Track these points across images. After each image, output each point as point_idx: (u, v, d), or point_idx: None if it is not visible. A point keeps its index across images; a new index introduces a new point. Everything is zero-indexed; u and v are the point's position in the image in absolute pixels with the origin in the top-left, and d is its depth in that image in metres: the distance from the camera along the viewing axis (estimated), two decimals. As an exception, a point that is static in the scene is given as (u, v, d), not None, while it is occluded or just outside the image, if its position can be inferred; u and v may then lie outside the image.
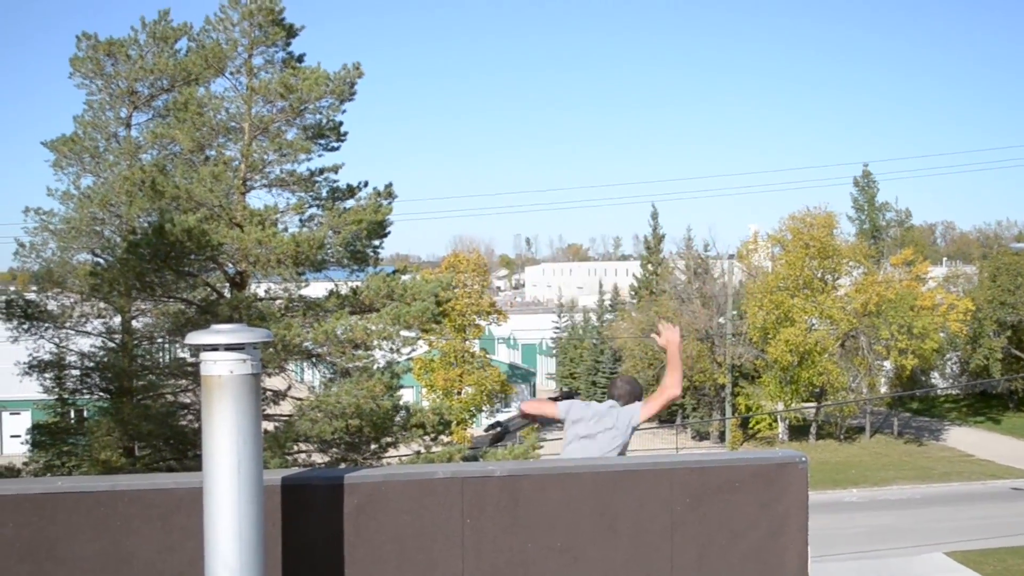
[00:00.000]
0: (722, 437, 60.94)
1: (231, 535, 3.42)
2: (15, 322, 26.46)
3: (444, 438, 26.05)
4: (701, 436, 63.42)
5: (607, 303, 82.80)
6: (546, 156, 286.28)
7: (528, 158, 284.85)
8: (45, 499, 3.97)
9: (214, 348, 3.52)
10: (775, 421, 60.80)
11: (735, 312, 61.93)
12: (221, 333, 3.53)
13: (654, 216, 78.54)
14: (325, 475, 4.12)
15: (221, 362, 3.51)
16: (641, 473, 4.30)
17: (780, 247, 62.26)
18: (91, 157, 28.60)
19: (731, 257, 68.81)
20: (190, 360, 25.81)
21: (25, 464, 27.77)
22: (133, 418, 23.19)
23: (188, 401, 25.60)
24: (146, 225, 24.34)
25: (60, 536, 3.95)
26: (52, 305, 27.33)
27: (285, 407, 25.43)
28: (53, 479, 4.26)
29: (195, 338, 3.53)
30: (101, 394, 27.02)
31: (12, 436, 42.24)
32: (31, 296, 27.76)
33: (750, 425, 61.26)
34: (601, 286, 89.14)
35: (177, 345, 28.13)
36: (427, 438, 24.69)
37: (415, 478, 4.09)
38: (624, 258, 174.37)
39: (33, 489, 4.01)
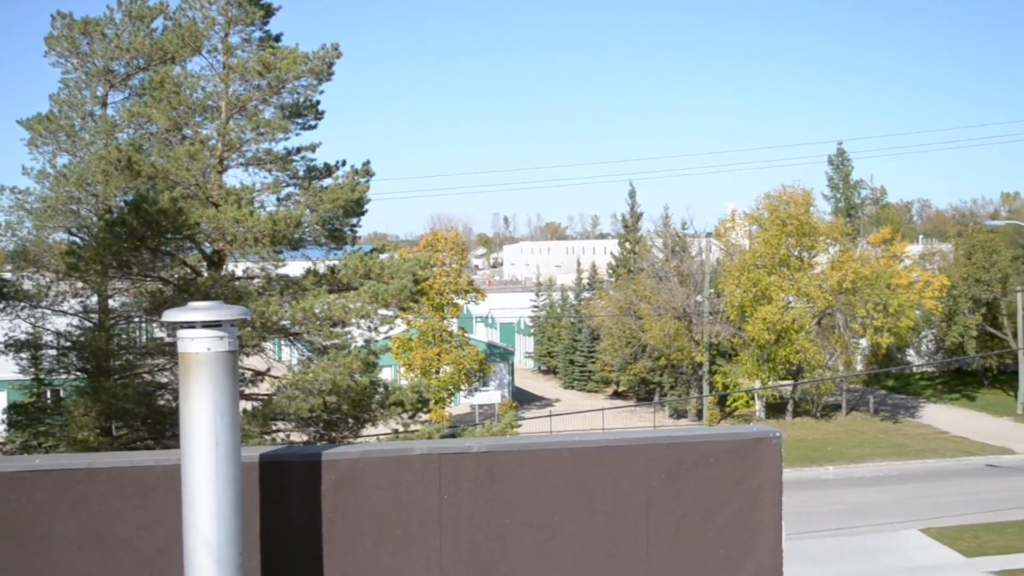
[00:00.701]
0: (700, 415, 61.27)
1: (209, 511, 3.44)
2: (-10, 302, 26.29)
3: (423, 416, 26.09)
4: (679, 414, 63.73)
5: (585, 281, 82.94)
6: (524, 135, 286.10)
7: (506, 137, 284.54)
8: (23, 477, 3.97)
9: (191, 325, 3.51)
10: (752, 399, 61.20)
11: (712, 290, 62.23)
12: (198, 310, 3.52)
13: (631, 194, 78.65)
14: (302, 452, 4.13)
15: (198, 339, 3.50)
16: (618, 449, 4.32)
17: (757, 225, 62.47)
18: (67, 136, 28.40)
19: (708, 235, 69.02)
20: (167, 339, 25.74)
21: (1, 444, 27.67)
22: (111, 397, 23.11)
23: (165, 380, 25.54)
24: (123, 204, 24.22)
25: (38, 514, 3.96)
26: (28, 284, 27.15)
27: (265, 387, 25.42)
28: (30, 457, 4.26)
29: (172, 315, 3.52)
30: (78, 374, 26.91)
31: (-12, 417, 41.93)
32: (7, 275, 27.57)
33: (728, 403, 61.64)
34: (579, 264, 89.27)
35: (154, 324, 28.03)
36: (405, 416, 24.72)
37: (392, 454, 4.10)
38: (602, 236, 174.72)
39: (10, 467, 4.00)
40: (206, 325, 3.50)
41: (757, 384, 58.66)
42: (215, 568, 3.43)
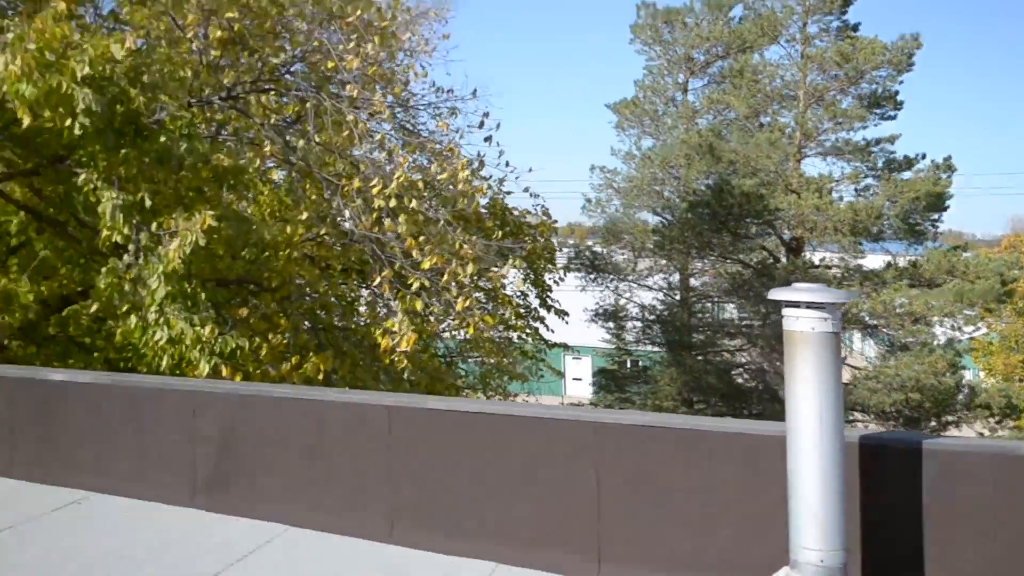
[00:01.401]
0: None
1: (815, 484, 3.55)
2: (583, 272, 28.62)
3: (1009, 423, 24.67)
4: None
5: None
6: None
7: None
8: (641, 430, 4.40)
9: (796, 305, 3.67)
10: None
11: None
12: (803, 291, 3.67)
13: None
14: (903, 438, 4.09)
15: (803, 319, 3.66)
16: None
17: None
18: (650, 120, 30.19)
19: None
20: (744, 320, 26.50)
21: (592, 404, 30.02)
22: (694, 371, 24.37)
23: (744, 360, 26.31)
24: (704, 187, 25.24)
25: (652, 466, 4.36)
26: (617, 258, 29.23)
27: (842, 376, 25.42)
28: (643, 413, 4.68)
29: (778, 294, 3.70)
30: (659, 347, 28.50)
31: (574, 379, 45.43)
32: (597, 249, 29.86)
33: None
34: None
35: (732, 305, 28.90)
36: (992, 420, 23.56)
37: (992, 451, 3.93)
38: None
39: (631, 420, 4.49)
40: (810, 306, 3.65)
41: None
42: (821, 539, 3.56)
